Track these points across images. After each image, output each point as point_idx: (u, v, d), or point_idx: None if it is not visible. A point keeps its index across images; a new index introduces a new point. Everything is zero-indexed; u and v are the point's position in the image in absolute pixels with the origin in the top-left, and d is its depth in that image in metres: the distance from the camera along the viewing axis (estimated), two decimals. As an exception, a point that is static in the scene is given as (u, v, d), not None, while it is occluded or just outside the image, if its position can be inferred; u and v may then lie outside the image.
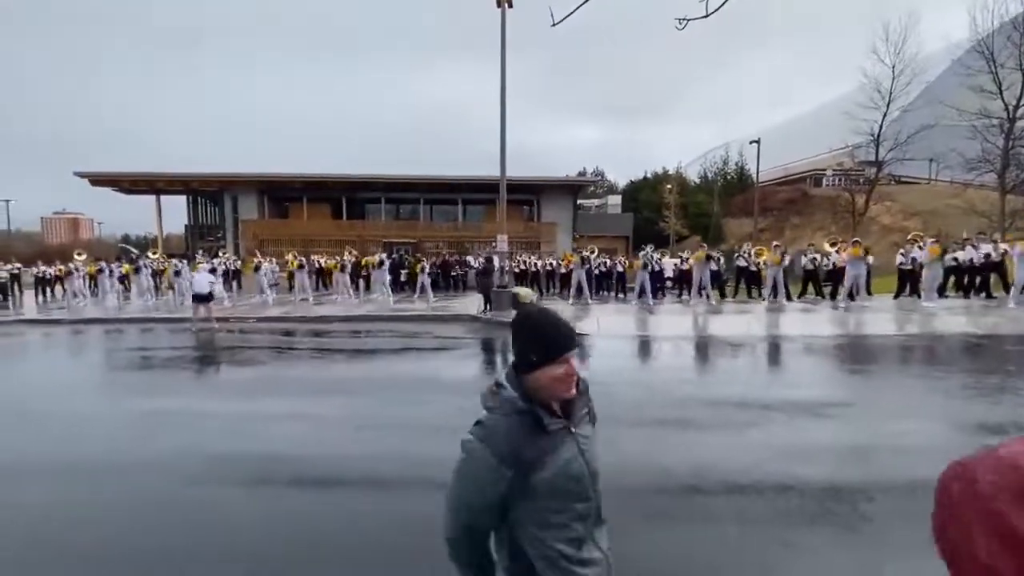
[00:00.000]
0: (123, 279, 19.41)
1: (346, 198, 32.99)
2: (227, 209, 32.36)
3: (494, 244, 16.31)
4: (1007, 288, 12.69)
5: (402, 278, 19.56)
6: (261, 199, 32.44)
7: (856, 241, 13.39)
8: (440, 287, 19.91)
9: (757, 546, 2.92)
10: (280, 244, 28.93)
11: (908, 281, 13.80)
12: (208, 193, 34.14)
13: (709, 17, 2.19)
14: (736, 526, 3.10)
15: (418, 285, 17.39)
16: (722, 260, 16.19)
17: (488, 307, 13.38)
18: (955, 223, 23.09)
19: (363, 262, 18.90)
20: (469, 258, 22.61)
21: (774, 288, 13.96)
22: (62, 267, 18.67)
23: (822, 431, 4.72)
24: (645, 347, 9.06)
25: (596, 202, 50.22)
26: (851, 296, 12.94)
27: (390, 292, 17.12)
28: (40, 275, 19.75)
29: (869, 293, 13.84)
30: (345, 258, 17.81)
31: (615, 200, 45.99)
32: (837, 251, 14.02)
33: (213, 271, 14.90)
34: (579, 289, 15.40)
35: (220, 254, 21.79)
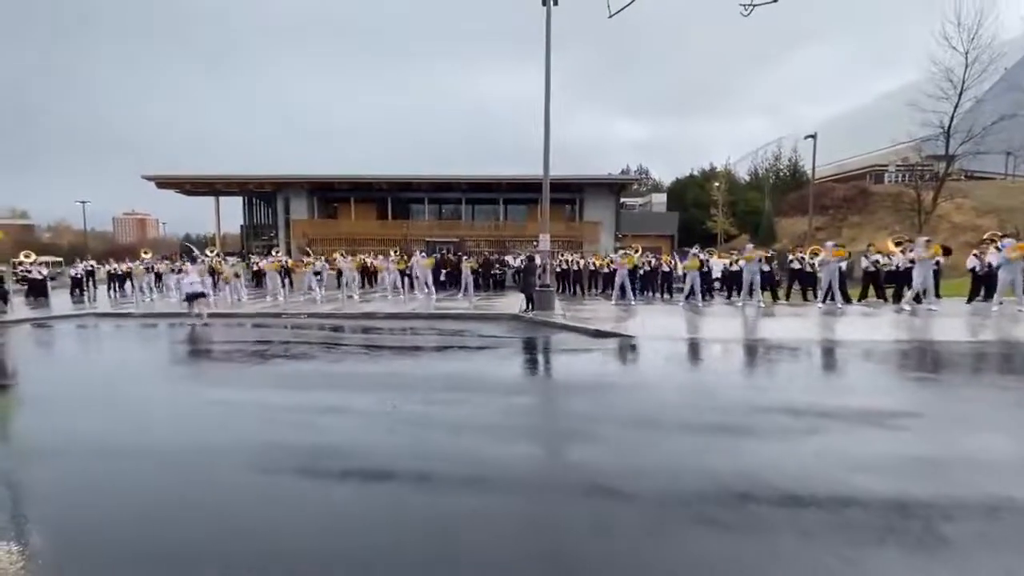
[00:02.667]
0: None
1: (391, 198, 33.76)
2: (279, 209, 33.73)
3: (535, 243, 16.27)
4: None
5: (441, 277, 19.81)
6: (311, 199, 33.63)
7: (928, 240, 12.53)
8: (480, 286, 20.03)
9: (815, 560, 2.77)
10: (328, 243, 29.89)
11: (982, 284, 12.83)
12: (262, 194, 35.70)
13: (775, 3, 2.08)
14: (792, 537, 2.96)
15: (462, 284, 17.58)
16: (775, 261, 15.52)
17: (530, 306, 13.36)
18: (1037, 221, 21.29)
19: (408, 261, 19.27)
20: (509, 257, 22.67)
21: (829, 290, 13.26)
22: (131, 264, 19.97)
23: (886, 442, 4.44)
24: (693, 350, 8.80)
25: (640, 200, 49.37)
26: (917, 299, 12.15)
27: (434, 290, 17.38)
28: (112, 271, 21.20)
29: (938, 296, 12.95)
30: (392, 256, 18.21)
31: (660, 198, 45.04)
32: (903, 251, 13.17)
33: (210, 271, 15.68)
34: (622, 290, 15.15)
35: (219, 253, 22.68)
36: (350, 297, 17.24)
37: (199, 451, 4.49)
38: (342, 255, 19.20)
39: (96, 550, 3.04)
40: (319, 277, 17.88)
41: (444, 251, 25.84)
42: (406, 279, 18.91)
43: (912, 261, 12.28)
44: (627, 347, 8.99)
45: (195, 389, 6.90)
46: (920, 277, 11.91)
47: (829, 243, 14.38)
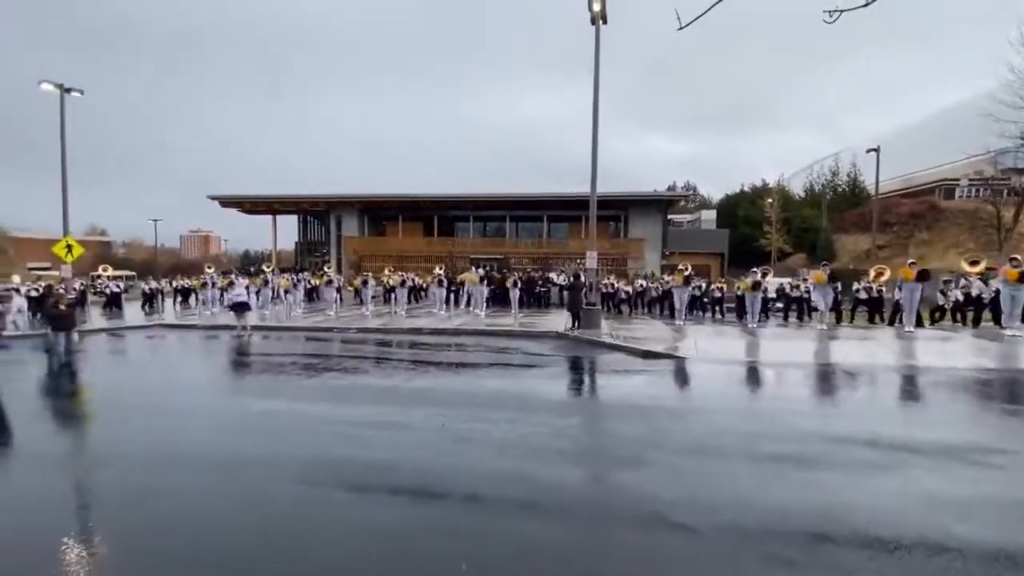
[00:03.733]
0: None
1: (437, 216, 34.48)
2: (332, 227, 35.04)
3: (580, 261, 16.11)
4: None
5: (486, 294, 19.86)
6: (361, 218, 34.78)
7: (1014, 258, 11.54)
8: (525, 303, 19.97)
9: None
10: (377, 260, 30.72)
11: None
12: (316, 212, 37.26)
13: (865, 7, 1.95)
14: (877, 586, 2.68)
15: (511, 300, 17.59)
16: (839, 283, 14.73)
17: (576, 324, 13.17)
18: None
19: (457, 278, 19.51)
20: (552, 275, 22.57)
21: (896, 311, 12.37)
22: (196, 279, 21.15)
23: (977, 481, 4.02)
24: (753, 374, 8.37)
25: (688, 217, 48.29)
26: (998, 322, 11.17)
27: (484, 306, 17.48)
28: (179, 286, 22.53)
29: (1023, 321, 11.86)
30: (440, 273, 18.48)
31: (709, 215, 43.90)
32: (979, 273, 12.19)
33: (249, 286, 16.27)
34: (678, 309, 14.77)
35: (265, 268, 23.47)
36: (397, 312, 17.57)
37: (251, 463, 4.58)
38: (390, 271, 19.67)
39: (148, 557, 3.12)
40: (339, 292, 18.50)
41: (488, 268, 26.01)
42: (452, 295, 19.12)
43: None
44: (682, 369, 8.66)
45: (249, 400, 7.12)
46: (1009, 301, 10.94)
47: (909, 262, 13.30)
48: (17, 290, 16.14)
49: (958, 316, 13.47)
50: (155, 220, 48.38)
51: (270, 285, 19.01)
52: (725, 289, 17.24)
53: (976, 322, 12.67)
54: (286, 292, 18.51)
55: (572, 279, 15.15)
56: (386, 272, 19.93)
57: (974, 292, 12.74)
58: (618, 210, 32.11)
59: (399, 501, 3.78)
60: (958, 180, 37.88)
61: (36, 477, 4.48)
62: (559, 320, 15.08)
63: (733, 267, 33.09)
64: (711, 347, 10.39)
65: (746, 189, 48.99)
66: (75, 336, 9.20)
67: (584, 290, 13.72)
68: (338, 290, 19.20)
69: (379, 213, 35.65)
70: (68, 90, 16.58)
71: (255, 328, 14.69)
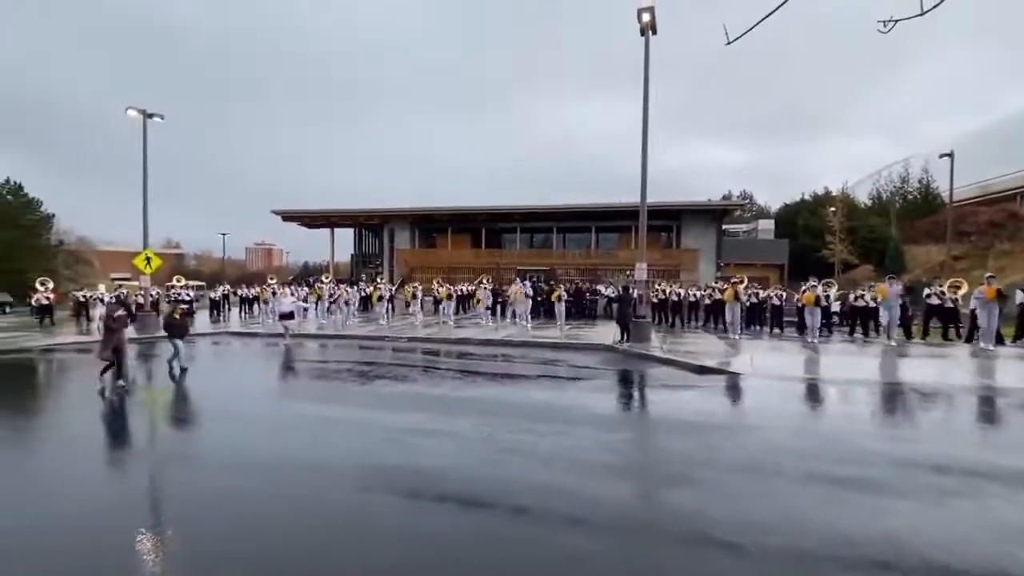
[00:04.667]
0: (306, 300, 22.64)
1: (485, 228, 34.95)
2: (385, 240, 36.24)
3: (629, 272, 15.90)
4: None
5: (530, 306, 19.90)
6: (413, 231, 35.78)
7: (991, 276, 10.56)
8: (572, 315, 19.87)
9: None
10: (428, 271, 31.45)
11: None
12: (370, 226, 38.66)
13: (920, 16, 1.91)
14: (949, 622, 2.53)
15: (556, 312, 17.59)
16: (908, 294, 13.83)
17: (625, 337, 13.00)
18: None
19: (504, 290, 19.70)
20: (600, 287, 22.35)
21: (974, 327, 11.49)
22: (260, 288, 22.41)
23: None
24: (813, 391, 8.00)
25: (745, 227, 46.61)
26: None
27: (529, 318, 17.56)
28: (244, 296, 23.93)
29: None
30: (487, 284, 18.74)
31: (767, 225, 42.16)
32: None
33: (305, 298, 16.91)
34: (732, 323, 14.34)
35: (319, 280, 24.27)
36: (445, 323, 17.92)
37: (310, 467, 4.81)
38: (439, 283, 20.13)
39: (213, 558, 3.36)
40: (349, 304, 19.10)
41: (536, 279, 26.09)
42: (499, 306, 19.31)
43: None
44: (736, 385, 8.39)
45: (305, 406, 7.47)
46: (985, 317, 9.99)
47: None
48: (101, 299, 17.69)
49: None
50: (223, 234, 51.64)
51: (328, 295, 19.88)
52: (784, 298, 16.49)
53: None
54: (346, 303, 19.27)
55: (621, 291, 14.99)
56: (435, 283, 20.40)
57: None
58: (670, 220, 31.45)
59: (447, 509, 3.89)
60: (1045, 185, 34.71)
61: (135, 478, 4.91)
62: (607, 332, 14.93)
63: (793, 279, 31.62)
64: (768, 363, 9.99)
65: (807, 198, 46.80)
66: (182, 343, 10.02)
67: (634, 302, 13.54)
68: (390, 300, 19.82)
69: (429, 226, 36.57)
70: (150, 115, 18.11)
71: (312, 336, 15.40)
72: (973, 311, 12.19)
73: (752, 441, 5.47)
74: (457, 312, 21.22)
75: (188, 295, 23.30)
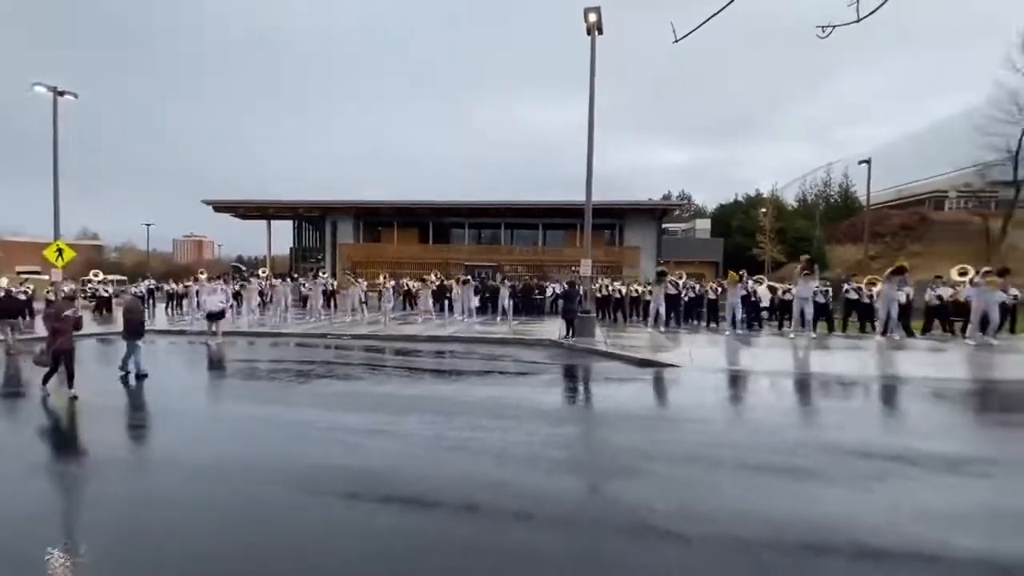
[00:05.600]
0: (236, 296, 21.40)
1: (432, 223, 34.47)
2: (327, 233, 34.96)
3: (575, 269, 16.15)
4: None
5: (476, 303, 19.80)
6: (357, 224, 34.73)
7: (987, 270, 11.78)
8: (520, 311, 19.96)
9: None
10: (372, 266, 30.65)
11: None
12: (311, 218, 37.17)
13: (857, 23, 1.99)
14: (872, 598, 2.68)
15: (499, 307, 17.59)
16: (829, 290, 14.82)
17: (571, 332, 13.17)
18: (1123, 252, 19.63)
19: (447, 284, 19.47)
20: (554, 285, 22.62)
21: (887, 322, 12.52)
22: (187, 283, 20.99)
23: (966, 490, 4.05)
24: (746, 382, 8.39)
25: (683, 226, 48.52)
26: (983, 332, 11.31)
27: (474, 314, 17.46)
28: (171, 291, 22.34)
29: (1012, 331, 12.01)
30: (431, 279, 18.45)
31: (704, 224, 44.14)
32: (970, 281, 12.35)
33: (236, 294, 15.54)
34: (656, 315, 14.84)
35: (258, 274, 23.38)
36: (390, 319, 17.51)
37: (241, 471, 4.53)
38: (385, 278, 19.64)
39: (139, 565, 3.07)
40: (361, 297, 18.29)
41: (484, 275, 26.02)
42: (445, 302, 19.08)
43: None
44: (674, 378, 8.68)
45: (240, 408, 7.05)
46: (979, 310, 11.15)
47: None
48: None
49: (946, 325, 13.61)
50: (148, 224, 48.18)
51: (259, 291, 18.88)
52: (719, 291, 17.26)
53: (964, 331, 12.78)
54: (284, 300, 18.36)
55: (567, 287, 15.18)
56: (381, 279, 19.89)
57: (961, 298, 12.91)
58: (614, 219, 32.25)
59: (392, 509, 3.75)
60: (947, 192, 38.39)
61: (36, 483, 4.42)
62: (553, 328, 15.08)
63: (726, 276, 33.30)
64: (704, 356, 10.41)
65: (740, 199, 49.38)
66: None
67: (579, 298, 13.75)
68: (333, 296, 19.15)
69: (374, 219, 35.63)
70: (61, 93, 16.45)
71: (246, 335, 14.60)
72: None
73: (692, 432, 5.66)
74: (404, 308, 20.80)
75: (107, 290, 21.52)
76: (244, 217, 36.97)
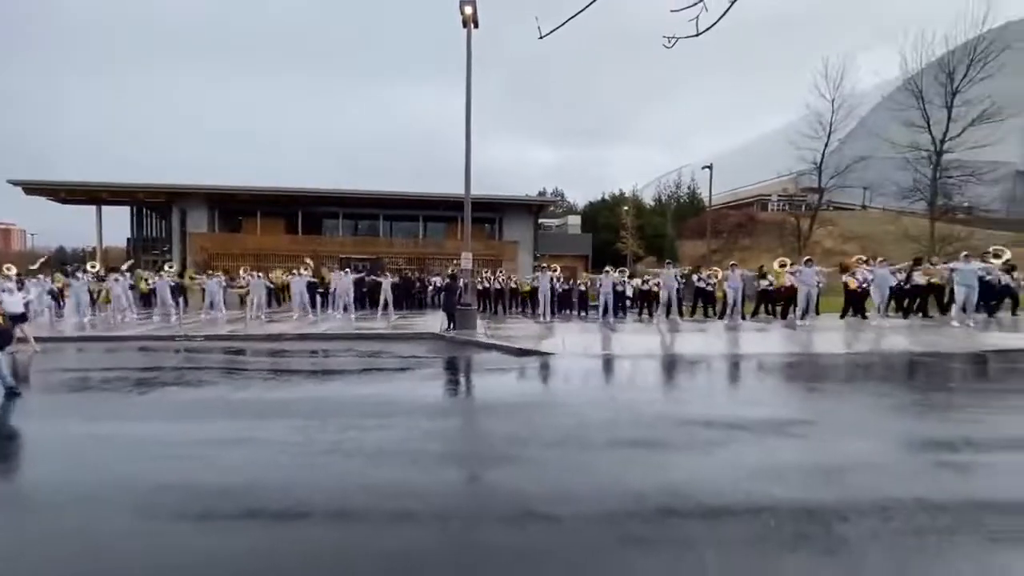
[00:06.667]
0: (56, 294, 18.00)
1: (302, 212, 32.10)
2: (175, 222, 30.82)
3: (456, 261, 16.17)
4: (943, 309, 13.63)
5: (349, 298, 18.90)
6: (212, 212, 31.11)
7: (808, 259, 14.14)
8: (402, 304, 19.49)
9: (738, 573, 2.87)
10: (232, 259, 27.73)
11: (853, 302, 14.54)
12: (154, 204, 32.49)
13: (696, 37, 2.22)
14: (713, 551, 3.05)
15: (380, 302, 16.99)
16: (683, 281, 16.66)
17: (452, 325, 13.16)
18: (890, 247, 24.67)
19: (324, 278, 18.31)
20: (437, 278, 22.37)
21: (725, 307, 14.48)
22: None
23: (789, 450, 4.79)
24: (613, 366, 9.07)
25: (556, 222, 50.85)
26: (801, 314, 13.54)
27: (352, 309, 16.64)
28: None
29: (817, 313, 14.49)
30: (303, 272, 17.19)
31: (575, 220, 46.71)
32: (791, 272, 14.67)
33: (22, 286, 12.83)
34: (543, 306, 15.54)
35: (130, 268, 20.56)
36: (256, 317, 16.01)
37: (71, 498, 3.83)
38: (246, 271, 17.89)
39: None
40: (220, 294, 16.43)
41: (362, 268, 24.90)
42: (319, 297, 17.94)
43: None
44: (550, 365, 9.09)
45: (66, 425, 5.95)
46: (804, 297, 13.35)
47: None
48: None
49: (772, 309, 16.03)
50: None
51: (87, 288, 16.09)
52: (589, 286, 18.51)
53: (784, 314, 15.17)
54: (123, 298, 15.76)
55: (449, 280, 15.14)
56: (241, 272, 18.08)
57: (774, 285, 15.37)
58: (494, 212, 32.79)
59: (255, 525, 3.42)
60: (771, 196, 45.09)
61: None
62: (435, 321, 14.96)
63: (596, 268, 35.68)
64: (577, 343, 11.07)
65: (606, 198, 53.13)
66: None
67: (460, 291, 13.78)
68: (180, 291, 16.98)
69: (234, 207, 32.17)
70: None
71: (70, 339, 12.38)
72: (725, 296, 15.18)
73: (565, 415, 5.98)
74: (270, 305, 19.13)
75: None
76: (66, 202, 31.14)
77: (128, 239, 34.79)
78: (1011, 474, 4.14)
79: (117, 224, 35.27)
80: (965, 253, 13.55)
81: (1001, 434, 5.13)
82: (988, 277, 12.72)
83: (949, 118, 23.18)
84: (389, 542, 3.19)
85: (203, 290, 17.50)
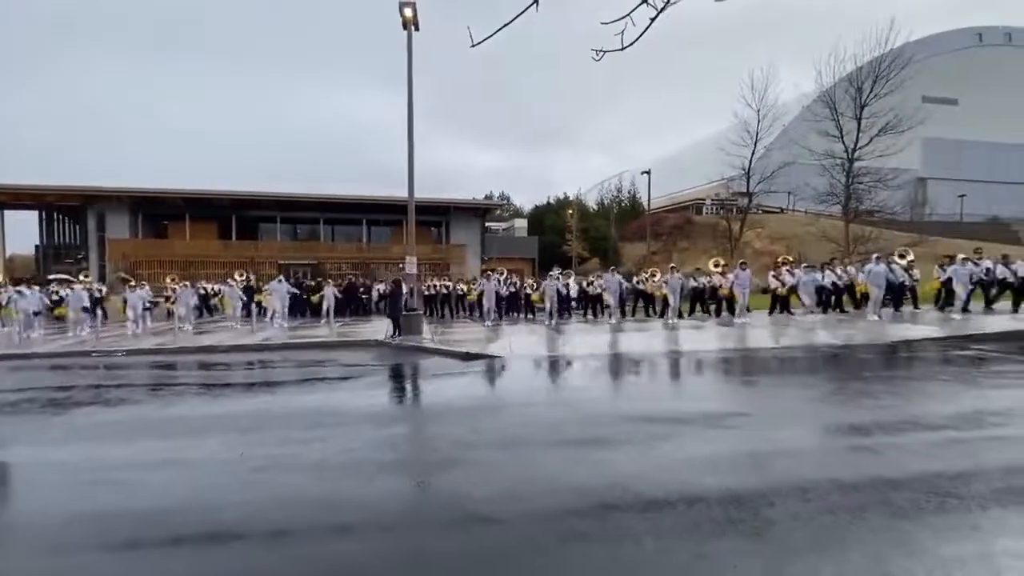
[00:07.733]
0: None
1: (236, 216, 30.60)
2: (91, 227, 28.54)
3: (402, 266, 15.94)
4: (857, 305, 14.84)
5: (287, 302, 18.19)
6: (134, 216, 29.07)
7: (743, 263, 15.01)
8: (346, 311, 18.94)
9: (672, 560, 3.00)
10: (157, 266, 26.01)
11: (779, 300, 15.53)
12: (67, 209, 29.95)
13: (621, 51, 2.33)
14: (651, 541, 3.18)
15: (322, 309, 16.44)
16: (626, 285, 17.21)
17: (397, 332, 12.94)
18: (812, 248, 26.56)
19: (260, 286, 17.50)
20: (380, 284, 21.91)
21: (666, 306, 15.11)
22: None
23: (724, 440, 5.06)
24: (558, 366, 9.23)
25: (503, 225, 51.12)
26: (732, 313, 14.34)
27: (285, 317, 16.00)
28: None
29: (748, 310, 15.36)
30: (238, 279, 16.37)
31: (521, 224, 47.16)
32: (722, 273, 15.48)
33: None
34: (488, 310, 15.60)
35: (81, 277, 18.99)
36: (183, 328, 15.08)
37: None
38: (172, 280, 16.82)
39: None
40: (143, 304, 15.34)
41: (302, 274, 24.01)
42: (255, 306, 17.13)
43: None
44: (497, 368, 9.13)
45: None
46: (742, 296, 14.16)
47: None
48: None
49: (708, 308, 16.84)
50: None
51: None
52: (535, 288, 18.77)
53: (718, 312, 15.99)
54: (30, 311, 14.36)
55: (393, 286, 14.88)
56: (168, 281, 16.98)
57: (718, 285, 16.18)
58: (440, 216, 32.56)
59: (181, 553, 3.23)
60: (704, 200, 47.38)
61: None
62: (380, 328, 14.65)
63: (543, 270, 36.17)
64: (523, 345, 11.18)
65: (551, 201, 54.00)
66: None
67: (404, 297, 13.57)
68: (98, 302, 15.73)
69: (158, 211, 30.21)
70: None
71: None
72: (666, 297, 15.81)
73: (512, 417, 6.03)
74: (200, 315, 18.08)
75: None
76: (-43, 205, 28.13)
77: (36, 246, 31.88)
78: (913, 453, 4.56)
79: (24, 231, 32.19)
80: (876, 256, 14.79)
81: (905, 415, 5.64)
82: (890, 276, 13.99)
83: (859, 129, 25.29)
84: (330, 559, 3.11)
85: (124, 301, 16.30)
